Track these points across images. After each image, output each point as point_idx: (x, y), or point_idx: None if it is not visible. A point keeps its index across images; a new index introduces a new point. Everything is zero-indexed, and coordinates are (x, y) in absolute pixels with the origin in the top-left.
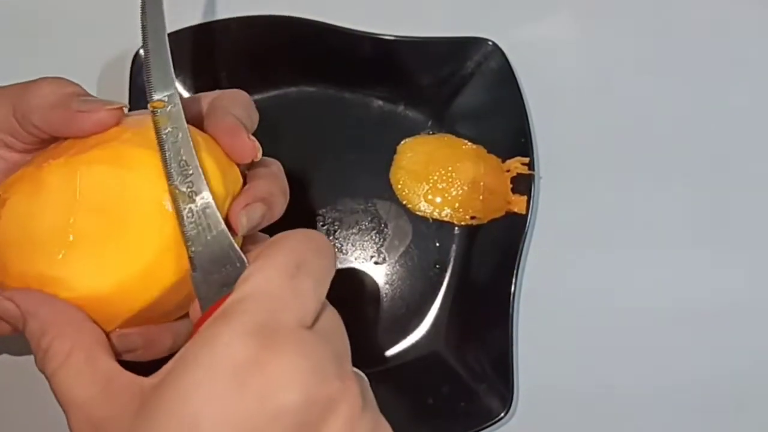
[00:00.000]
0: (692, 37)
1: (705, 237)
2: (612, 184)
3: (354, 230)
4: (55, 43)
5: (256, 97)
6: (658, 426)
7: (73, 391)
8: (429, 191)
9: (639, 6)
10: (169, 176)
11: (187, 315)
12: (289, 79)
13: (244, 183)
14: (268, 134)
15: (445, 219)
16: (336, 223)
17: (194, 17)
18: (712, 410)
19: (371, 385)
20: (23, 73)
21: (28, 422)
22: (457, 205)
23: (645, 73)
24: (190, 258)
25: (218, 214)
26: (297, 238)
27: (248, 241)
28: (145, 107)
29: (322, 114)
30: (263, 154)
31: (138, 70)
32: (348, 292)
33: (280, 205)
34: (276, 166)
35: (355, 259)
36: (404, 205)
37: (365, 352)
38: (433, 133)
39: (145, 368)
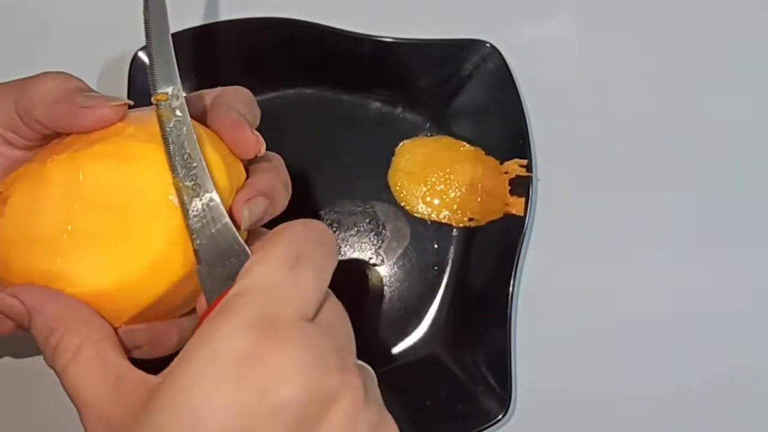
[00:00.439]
0: (691, 38)
1: (704, 238)
2: (610, 185)
3: (352, 232)
4: (54, 44)
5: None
6: (658, 428)
7: (83, 389)
8: (427, 193)
9: (637, 7)
10: (173, 170)
11: (194, 311)
12: (288, 81)
13: (247, 178)
14: (266, 135)
15: (444, 221)
16: (334, 224)
17: (194, 19)
18: (712, 411)
19: None
20: (23, 74)
21: (32, 424)
22: (455, 206)
23: (643, 74)
24: (195, 251)
25: (222, 207)
26: (296, 229)
27: (252, 235)
28: (146, 107)
29: (320, 116)
30: None
31: (137, 71)
32: (346, 293)
33: (282, 199)
34: (278, 161)
35: (353, 260)
36: (402, 207)
37: (363, 354)
38: (432, 135)
39: (153, 366)
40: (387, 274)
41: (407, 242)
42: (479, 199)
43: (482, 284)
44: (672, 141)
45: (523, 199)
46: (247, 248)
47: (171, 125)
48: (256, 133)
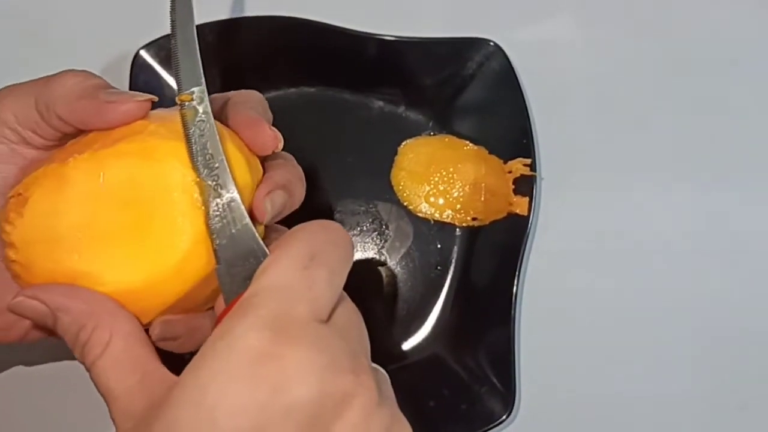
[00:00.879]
0: (693, 38)
1: (708, 238)
2: (614, 184)
3: (355, 232)
4: (55, 44)
5: None
6: (662, 428)
7: (111, 382)
8: (430, 192)
9: (640, 7)
10: (195, 169)
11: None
12: (290, 80)
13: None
14: None
15: (447, 220)
16: None
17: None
18: (715, 412)
19: None
20: (23, 74)
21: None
22: (458, 206)
23: (647, 73)
24: (214, 251)
25: (243, 207)
26: (311, 229)
27: (271, 234)
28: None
29: (322, 115)
30: None
31: (139, 70)
32: (348, 293)
33: (299, 192)
34: (290, 157)
35: (356, 260)
36: (405, 207)
37: None
38: (435, 134)
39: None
40: (390, 274)
41: (410, 242)
42: (482, 199)
43: (485, 284)
44: (675, 140)
45: (526, 199)
46: (265, 248)
47: (194, 125)
48: (274, 129)
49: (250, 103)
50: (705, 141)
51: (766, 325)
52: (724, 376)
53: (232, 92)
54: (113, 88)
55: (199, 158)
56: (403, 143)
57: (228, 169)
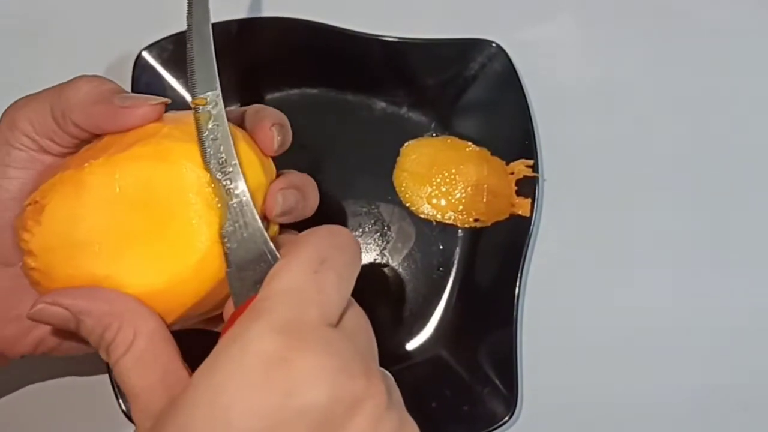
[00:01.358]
0: (696, 39)
1: (709, 240)
2: (616, 186)
3: (357, 233)
4: (57, 45)
5: (259, 99)
6: (664, 429)
7: (132, 380)
8: (432, 194)
9: (642, 7)
10: (209, 171)
11: None
12: (292, 81)
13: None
14: None
15: (449, 221)
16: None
17: None
18: (716, 414)
19: None
20: (24, 75)
21: None
22: (460, 207)
23: (649, 74)
24: (225, 254)
25: (255, 211)
26: (321, 234)
27: (282, 238)
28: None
29: (324, 116)
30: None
31: (141, 71)
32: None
33: (312, 197)
34: (306, 175)
35: None
36: (407, 208)
37: None
38: (437, 135)
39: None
40: (392, 275)
41: (412, 243)
42: (485, 200)
43: (488, 285)
44: (678, 142)
45: (529, 200)
46: (276, 252)
47: (208, 130)
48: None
49: (266, 110)
50: (705, 141)
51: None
52: (725, 376)
53: (256, 105)
54: (126, 92)
55: (213, 162)
56: (406, 144)
57: (241, 174)
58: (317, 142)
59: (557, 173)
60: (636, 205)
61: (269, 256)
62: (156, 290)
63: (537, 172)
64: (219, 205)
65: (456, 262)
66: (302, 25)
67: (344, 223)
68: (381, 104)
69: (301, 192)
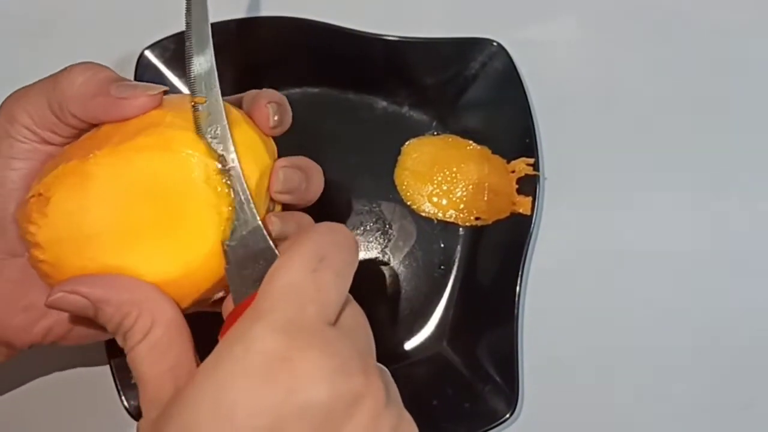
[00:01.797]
0: (696, 38)
1: (710, 237)
2: (617, 184)
3: (358, 231)
4: (59, 45)
5: None
6: (665, 428)
7: (143, 367)
8: (433, 192)
9: (643, 6)
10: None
11: None
12: (293, 80)
13: None
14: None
15: (450, 220)
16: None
17: None
18: (718, 411)
19: None
20: (24, 75)
21: None
22: (461, 206)
23: (650, 73)
24: (224, 252)
25: (255, 210)
26: (319, 231)
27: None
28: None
29: (326, 115)
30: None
31: (143, 70)
32: (351, 292)
33: (316, 181)
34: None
35: (359, 260)
36: (409, 206)
37: None
38: (438, 134)
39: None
40: (393, 274)
41: (413, 241)
42: (486, 198)
43: (489, 283)
44: (678, 139)
45: (530, 198)
46: (275, 250)
47: (207, 129)
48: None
49: (263, 91)
50: (706, 140)
51: None
52: (727, 375)
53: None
54: (122, 79)
55: None
56: (407, 143)
57: (240, 172)
58: (318, 141)
59: (558, 172)
60: (637, 202)
61: (268, 254)
62: (171, 279)
63: (538, 171)
64: (227, 191)
65: (457, 260)
66: (303, 25)
67: (345, 222)
68: (382, 103)
69: (305, 173)
